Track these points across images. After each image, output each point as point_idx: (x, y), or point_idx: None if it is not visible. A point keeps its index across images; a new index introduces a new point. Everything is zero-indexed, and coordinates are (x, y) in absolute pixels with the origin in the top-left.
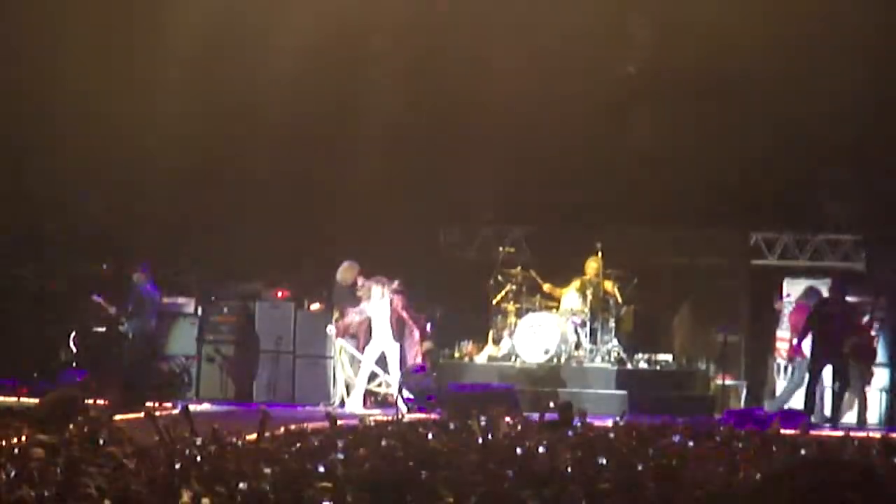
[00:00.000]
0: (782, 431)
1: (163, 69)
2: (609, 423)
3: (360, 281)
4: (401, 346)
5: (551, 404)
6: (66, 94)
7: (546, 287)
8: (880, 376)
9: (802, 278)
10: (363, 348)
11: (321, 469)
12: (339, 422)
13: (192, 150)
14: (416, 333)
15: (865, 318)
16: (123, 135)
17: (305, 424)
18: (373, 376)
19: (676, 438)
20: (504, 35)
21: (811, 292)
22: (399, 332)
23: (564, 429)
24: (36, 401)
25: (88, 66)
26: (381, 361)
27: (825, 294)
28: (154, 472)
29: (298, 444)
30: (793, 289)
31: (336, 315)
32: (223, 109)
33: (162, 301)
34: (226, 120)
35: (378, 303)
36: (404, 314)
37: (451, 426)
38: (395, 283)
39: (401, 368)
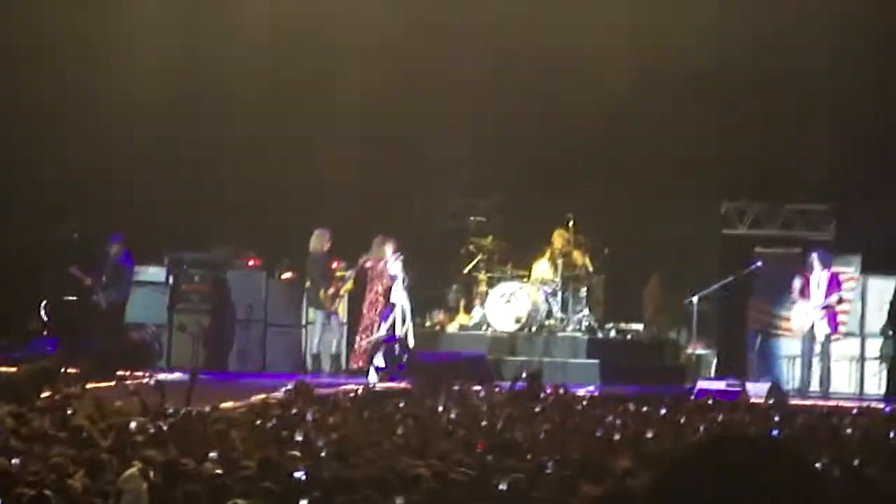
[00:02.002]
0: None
1: (138, 31)
2: (581, 392)
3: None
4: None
5: (523, 374)
6: (34, 57)
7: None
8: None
9: (773, 247)
10: (380, 312)
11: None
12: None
13: (163, 116)
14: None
15: None
16: (94, 101)
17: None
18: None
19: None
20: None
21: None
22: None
23: (533, 398)
24: (6, 370)
25: (62, 28)
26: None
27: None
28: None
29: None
30: (764, 258)
31: (308, 284)
32: (195, 75)
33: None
34: (198, 86)
35: (392, 263)
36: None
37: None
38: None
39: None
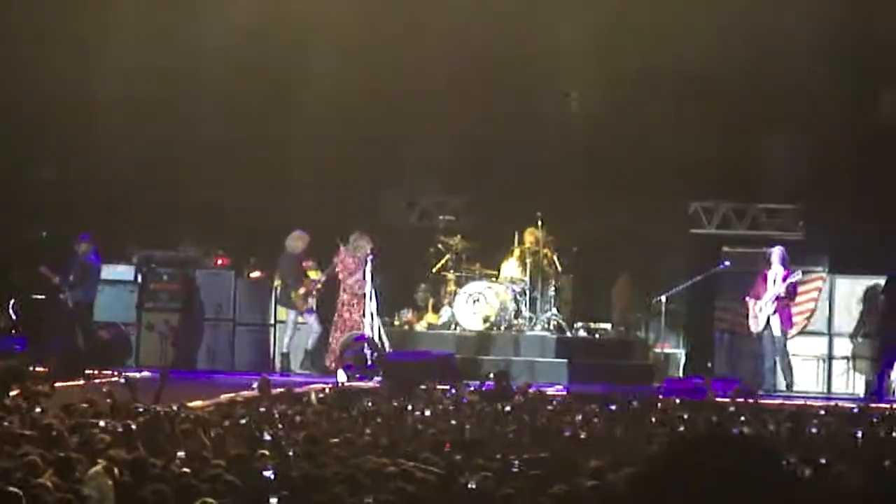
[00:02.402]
0: (717, 399)
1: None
2: (550, 391)
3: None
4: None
5: (491, 374)
6: (8, 59)
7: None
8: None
9: (740, 247)
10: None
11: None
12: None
13: (132, 116)
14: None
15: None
16: (65, 100)
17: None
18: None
19: (613, 407)
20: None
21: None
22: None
23: (502, 397)
24: None
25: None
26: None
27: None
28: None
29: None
30: (731, 257)
31: (278, 283)
32: (165, 76)
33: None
34: (167, 86)
35: (368, 259)
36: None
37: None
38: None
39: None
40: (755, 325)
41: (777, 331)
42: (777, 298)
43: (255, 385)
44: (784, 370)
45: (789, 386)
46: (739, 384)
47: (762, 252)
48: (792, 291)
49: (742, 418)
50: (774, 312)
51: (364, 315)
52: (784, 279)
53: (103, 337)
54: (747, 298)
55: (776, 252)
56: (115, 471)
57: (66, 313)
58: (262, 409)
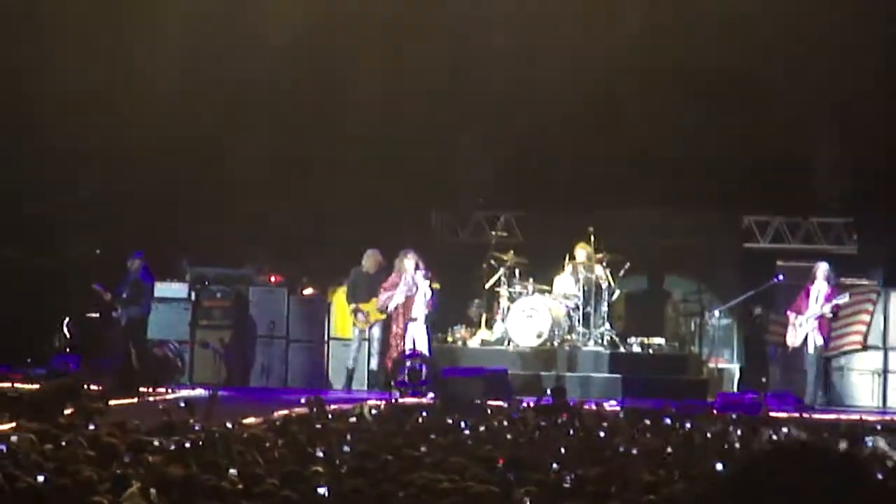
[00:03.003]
0: (773, 415)
1: (154, 48)
2: (606, 406)
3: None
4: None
5: (548, 391)
6: (56, 75)
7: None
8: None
9: (793, 261)
10: (403, 325)
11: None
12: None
13: (182, 132)
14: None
15: None
16: (113, 117)
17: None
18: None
19: (668, 420)
20: (499, 16)
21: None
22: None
23: (558, 413)
24: (30, 386)
25: (79, 45)
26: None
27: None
28: (143, 458)
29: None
30: (785, 271)
31: (353, 305)
32: (213, 90)
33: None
34: (216, 100)
35: (415, 278)
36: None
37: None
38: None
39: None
40: (792, 339)
41: (811, 348)
42: (818, 317)
43: (303, 401)
44: (813, 387)
45: (826, 402)
46: (794, 399)
47: (825, 268)
48: (835, 312)
49: (788, 431)
50: (813, 329)
51: (406, 332)
52: (827, 298)
53: (157, 355)
54: (788, 312)
55: (820, 268)
56: (153, 492)
57: (119, 331)
58: (318, 426)
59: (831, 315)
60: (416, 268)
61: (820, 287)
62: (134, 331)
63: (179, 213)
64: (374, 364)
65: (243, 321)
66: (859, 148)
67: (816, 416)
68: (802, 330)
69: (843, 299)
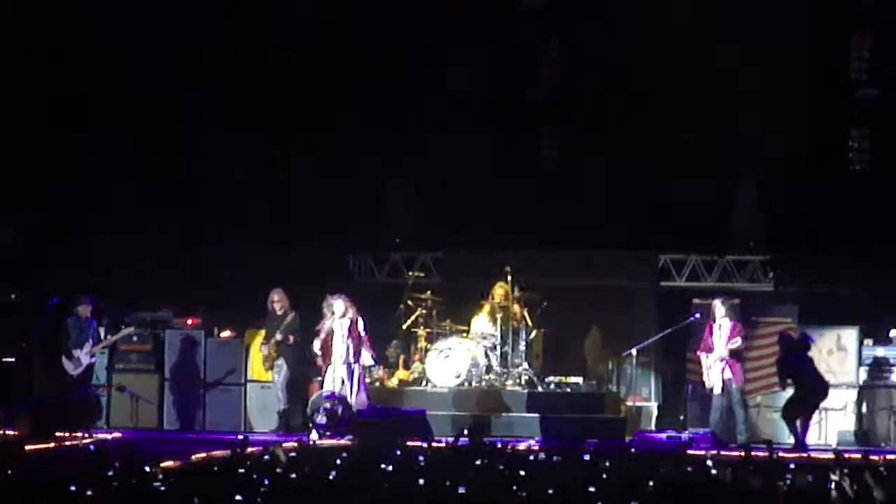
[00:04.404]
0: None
1: None
2: (522, 445)
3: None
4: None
5: (465, 430)
6: None
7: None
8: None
9: (710, 299)
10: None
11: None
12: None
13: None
14: (370, 356)
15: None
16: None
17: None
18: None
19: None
20: None
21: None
22: (356, 352)
23: (476, 453)
24: None
25: None
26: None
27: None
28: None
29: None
30: (701, 309)
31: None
32: None
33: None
34: None
35: (340, 321)
36: (363, 335)
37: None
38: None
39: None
40: (707, 380)
41: (729, 388)
42: (724, 358)
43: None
44: (743, 426)
45: (735, 438)
46: (712, 436)
47: (736, 305)
48: (736, 351)
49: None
50: (725, 369)
51: (339, 374)
52: (730, 335)
53: (74, 399)
54: (698, 352)
55: (716, 305)
56: None
57: (36, 375)
58: (242, 470)
59: (739, 351)
60: (344, 313)
61: (721, 324)
62: (50, 375)
63: (92, 258)
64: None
65: (161, 364)
66: (773, 188)
67: (735, 452)
68: (715, 371)
69: (735, 344)
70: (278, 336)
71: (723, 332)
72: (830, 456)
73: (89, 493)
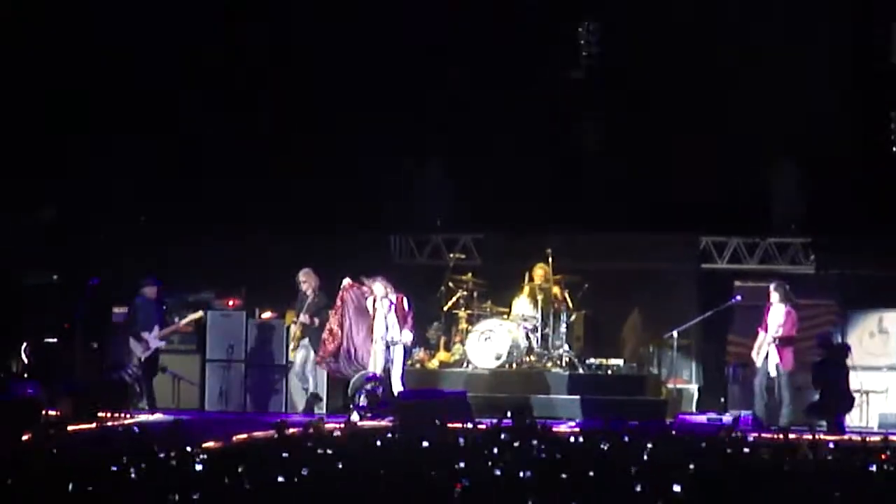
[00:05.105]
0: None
1: None
2: (563, 427)
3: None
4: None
5: (508, 412)
6: None
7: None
8: None
9: (751, 282)
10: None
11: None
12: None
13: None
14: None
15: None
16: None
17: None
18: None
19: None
20: None
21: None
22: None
23: (517, 434)
24: None
25: None
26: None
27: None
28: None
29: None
30: (742, 291)
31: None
32: None
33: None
34: None
35: (381, 302)
36: (409, 314)
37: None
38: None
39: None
40: (756, 358)
41: (772, 369)
42: (773, 342)
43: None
44: (788, 409)
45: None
46: (754, 418)
47: (775, 287)
48: (786, 338)
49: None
50: (775, 352)
51: (376, 354)
52: (781, 323)
53: (115, 380)
54: (759, 329)
55: (770, 289)
56: None
57: (77, 356)
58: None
59: (789, 337)
60: (385, 295)
61: (776, 308)
62: (95, 356)
63: (136, 239)
64: (311, 386)
65: (202, 345)
66: (815, 170)
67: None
68: (763, 350)
69: (782, 332)
70: (303, 317)
71: (775, 316)
72: (874, 439)
73: (132, 473)
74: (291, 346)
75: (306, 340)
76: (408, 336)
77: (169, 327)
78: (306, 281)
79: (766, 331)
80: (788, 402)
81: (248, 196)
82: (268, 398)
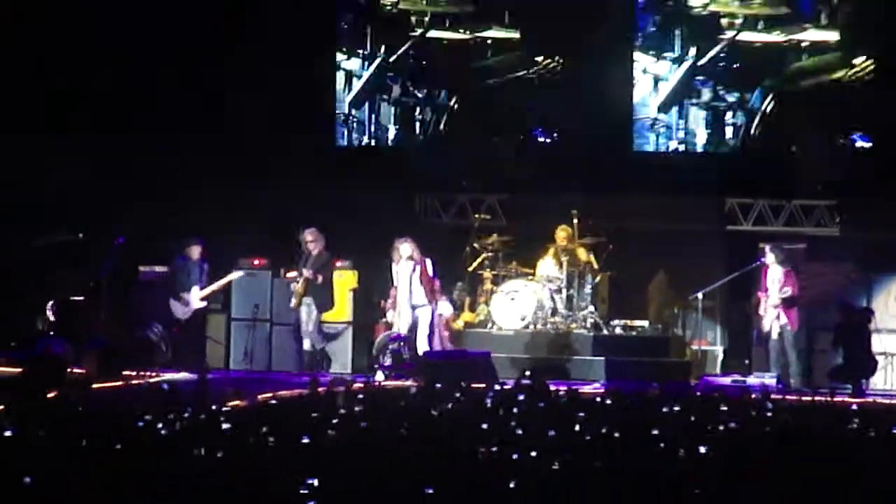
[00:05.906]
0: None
1: None
2: (587, 388)
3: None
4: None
5: (526, 372)
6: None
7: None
8: None
9: (777, 243)
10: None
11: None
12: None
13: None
14: (448, 305)
15: None
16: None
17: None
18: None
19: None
20: None
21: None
22: (426, 295)
23: (539, 395)
24: (13, 370)
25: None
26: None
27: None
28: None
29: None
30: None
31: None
32: None
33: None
34: None
35: (405, 264)
36: (433, 278)
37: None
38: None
39: (430, 334)
40: (765, 325)
41: (775, 332)
42: (778, 305)
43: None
44: (796, 368)
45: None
46: (778, 380)
47: (802, 249)
48: (789, 299)
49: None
50: (779, 315)
51: (400, 316)
52: (782, 285)
53: (141, 338)
54: (759, 294)
55: (766, 250)
56: None
57: (104, 315)
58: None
59: (792, 298)
60: (411, 256)
61: (773, 270)
62: (120, 313)
63: (163, 199)
64: (306, 345)
65: (227, 304)
66: (842, 133)
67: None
68: (769, 316)
69: (786, 294)
70: (307, 273)
71: (775, 278)
72: None
73: (161, 430)
74: (293, 303)
75: (309, 298)
76: (445, 307)
77: (208, 287)
78: (314, 240)
79: (766, 293)
80: (795, 361)
81: (274, 151)
82: (292, 358)
